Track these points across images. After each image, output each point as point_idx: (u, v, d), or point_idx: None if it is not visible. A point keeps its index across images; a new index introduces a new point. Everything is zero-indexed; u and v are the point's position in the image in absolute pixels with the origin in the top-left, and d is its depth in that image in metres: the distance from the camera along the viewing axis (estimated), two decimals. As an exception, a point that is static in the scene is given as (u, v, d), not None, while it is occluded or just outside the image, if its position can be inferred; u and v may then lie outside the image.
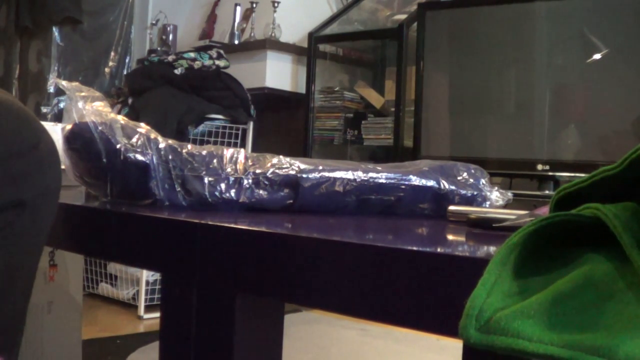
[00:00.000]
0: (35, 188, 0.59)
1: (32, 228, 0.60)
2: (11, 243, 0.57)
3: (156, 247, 0.60)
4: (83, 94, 0.71)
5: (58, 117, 3.71)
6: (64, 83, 0.71)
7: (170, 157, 0.69)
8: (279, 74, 3.45)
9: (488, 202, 0.80)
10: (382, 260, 0.43)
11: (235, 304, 0.54)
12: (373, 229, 0.65)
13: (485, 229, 0.61)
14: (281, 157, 0.72)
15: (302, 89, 3.43)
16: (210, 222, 0.55)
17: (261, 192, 0.70)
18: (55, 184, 0.62)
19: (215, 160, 0.70)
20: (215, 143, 2.81)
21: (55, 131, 0.71)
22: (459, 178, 0.80)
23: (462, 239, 0.57)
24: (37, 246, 0.62)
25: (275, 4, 3.46)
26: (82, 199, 0.77)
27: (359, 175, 0.73)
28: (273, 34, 3.47)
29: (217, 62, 2.85)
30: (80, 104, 0.69)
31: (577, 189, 0.38)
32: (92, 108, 0.70)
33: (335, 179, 0.72)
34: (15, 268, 0.59)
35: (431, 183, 0.77)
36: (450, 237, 0.60)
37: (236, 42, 3.62)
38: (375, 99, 3.30)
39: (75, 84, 0.73)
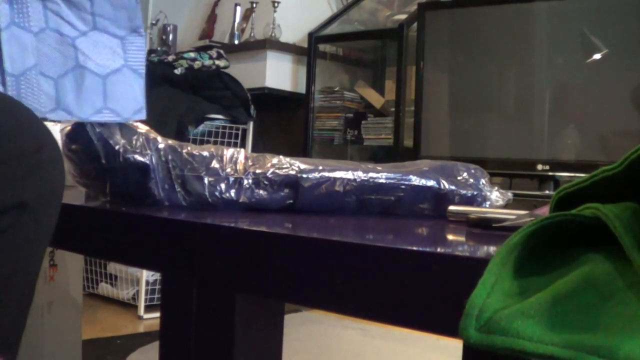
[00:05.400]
0: (37, 190, 0.59)
1: (34, 230, 0.60)
2: (13, 245, 0.57)
3: (156, 247, 0.60)
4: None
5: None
6: None
7: (170, 157, 0.69)
8: (279, 74, 3.45)
9: (488, 202, 0.80)
10: (382, 260, 0.43)
11: (235, 304, 0.54)
12: (373, 229, 0.65)
13: (485, 229, 0.61)
14: (281, 157, 0.72)
15: (302, 89, 3.43)
16: (210, 222, 0.55)
17: (261, 192, 0.70)
18: (58, 185, 0.62)
19: (215, 161, 0.70)
20: (215, 143, 2.81)
21: (55, 131, 0.71)
22: (459, 178, 0.80)
23: (462, 239, 0.57)
24: (39, 248, 0.62)
25: (275, 4, 3.46)
26: (82, 199, 0.77)
27: (359, 175, 0.73)
28: (273, 34, 3.47)
29: (217, 62, 2.85)
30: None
31: (577, 189, 0.38)
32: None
33: (335, 179, 0.72)
34: (18, 269, 0.59)
35: (431, 183, 0.77)
36: (450, 237, 0.60)
37: (236, 42, 3.61)
38: (375, 99, 3.30)
39: None
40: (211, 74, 2.85)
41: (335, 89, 3.39)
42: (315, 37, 3.37)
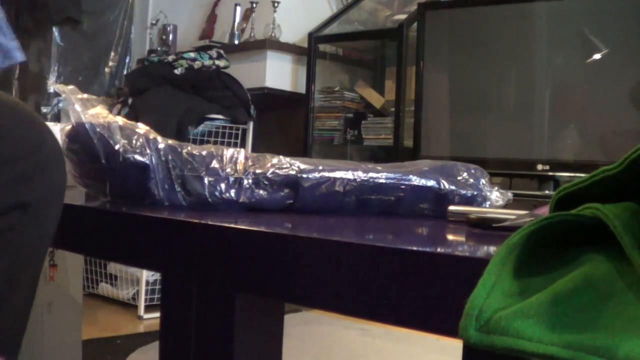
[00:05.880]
0: (38, 190, 0.59)
1: (36, 230, 0.60)
2: (15, 245, 0.57)
3: (156, 247, 0.60)
4: (80, 96, 0.71)
5: (58, 117, 3.71)
6: (61, 87, 0.71)
7: (170, 157, 0.69)
8: (279, 74, 3.45)
9: (488, 202, 0.80)
10: (382, 260, 0.43)
11: (235, 303, 0.54)
12: (373, 229, 0.65)
13: (485, 229, 0.61)
14: (281, 157, 0.72)
15: (302, 89, 3.43)
16: (210, 222, 0.55)
17: (261, 192, 0.70)
18: (59, 185, 0.62)
19: (215, 160, 0.70)
20: (215, 143, 2.80)
21: (55, 131, 0.71)
22: (459, 178, 0.80)
23: (462, 239, 0.57)
24: (41, 248, 0.62)
25: (275, 4, 3.46)
26: (82, 199, 0.77)
27: (359, 175, 0.73)
28: (273, 34, 3.47)
29: (217, 62, 2.85)
30: (77, 106, 0.69)
31: (577, 189, 0.38)
32: (90, 111, 0.70)
33: (335, 179, 0.72)
34: (19, 270, 0.59)
35: (431, 183, 0.77)
36: (450, 237, 0.60)
37: (236, 42, 3.61)
38: (375, 99, 3.30)
39: (72, 87, 0.73)
40: (211, 74, 2.85)
41: (335, 89, 3.39)
42: (315, 37, 3.37)
